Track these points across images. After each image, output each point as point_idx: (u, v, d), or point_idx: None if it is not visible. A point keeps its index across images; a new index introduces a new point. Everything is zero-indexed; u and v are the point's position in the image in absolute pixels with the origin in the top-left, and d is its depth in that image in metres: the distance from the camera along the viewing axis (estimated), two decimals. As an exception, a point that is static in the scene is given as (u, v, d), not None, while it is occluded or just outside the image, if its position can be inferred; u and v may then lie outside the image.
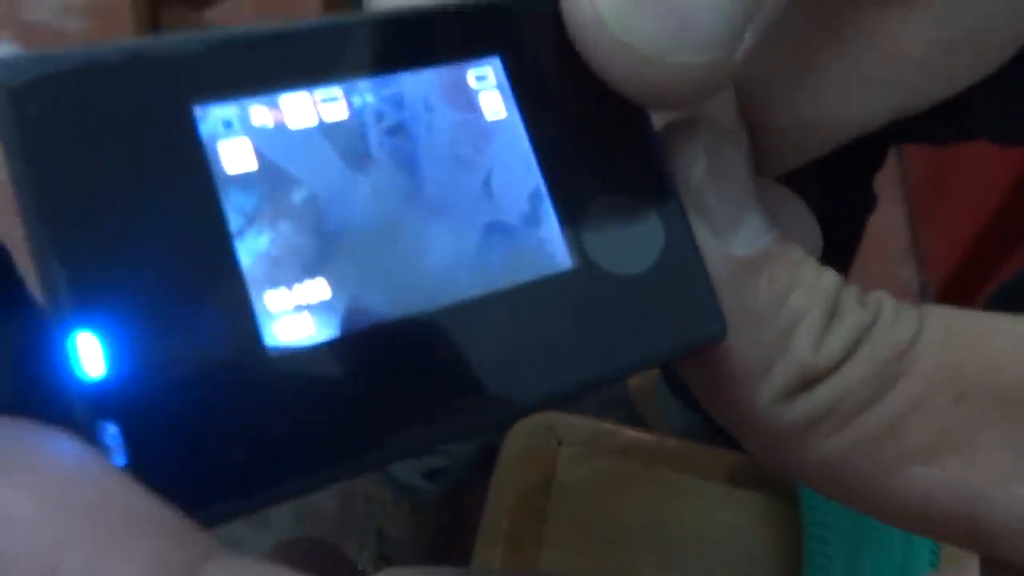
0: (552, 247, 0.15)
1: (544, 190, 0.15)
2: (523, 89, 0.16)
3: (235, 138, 0.13)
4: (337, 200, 0.14)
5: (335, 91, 0.14)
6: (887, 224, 1.37)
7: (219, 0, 1.22)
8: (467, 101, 0.15)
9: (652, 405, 0.95)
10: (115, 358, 0.12)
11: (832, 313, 0.16)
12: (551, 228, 0.15)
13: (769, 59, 0.22)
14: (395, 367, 0.14)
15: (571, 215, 0.15)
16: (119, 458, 0.12)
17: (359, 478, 0.95)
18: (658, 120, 0.17)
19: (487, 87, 0.16)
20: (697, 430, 0.85)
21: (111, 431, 0.12)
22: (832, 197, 0.62)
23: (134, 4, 1.16)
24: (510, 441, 0.48)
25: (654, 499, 0.47)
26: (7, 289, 0.88)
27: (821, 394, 0.16)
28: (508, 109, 0.16)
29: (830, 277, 0.16)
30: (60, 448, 0.11)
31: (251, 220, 0.13)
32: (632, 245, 0.16)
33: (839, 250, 0.75)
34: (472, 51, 0.15)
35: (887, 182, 1.36)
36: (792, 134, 0.23)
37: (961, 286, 1.24)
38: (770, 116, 0.23)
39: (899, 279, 1.36)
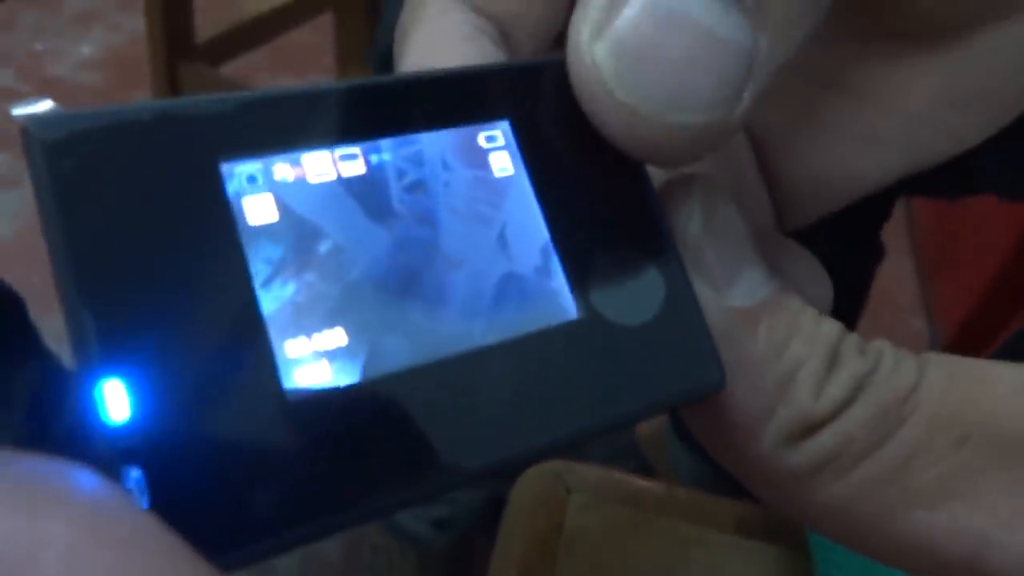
0: (560, 298, 0.16)
1: (551, 244, 0.16)
2: (530, 150, 0.16)
3: (259, 194, 0.14)
4: (357, 251, 0.14)
5: (354, 149, 0.15)
6: (896, 276, 1.37)
7: (236, 56, 1.25)
8: (480, 160, 0.16)
9: (661, 454, 0.94)
10: (140, 404, 0.12)
11: (832, 361, 0.16)
12: (559, 280, 0.16)
13: (783, 118, 0.23)
14: (411, 412, 0.14)
15: (576, 267, 0.16)
16: (142, 501, 0.12)
17: (367, 525, 0.94)
18: (660, 176, 0.18)
19: (497, 147, 0.16)
20: (706, 479, 0.85)
21: (134, 475, 0.12)
22: (840, 249, 0.62)
23: (152, 60, 1.19)
24: (519, 489, 0.48)
25: (664, 548, 0.47)
26: (22, 338, 0.89)
27: (823, 439, 0.16)
28: (516, 168, 0.16)
29: (830, 326, 0.17)
30: (94, 485, 0.11)
31: (273, 271, 0.14)
32: (634, 297, 0.16)
33: (848, 301, 0.75)
34: (483, 114, 0.16)
35: (896, 234, 1.36)
36: (807, 191, 0.23)
37: (971, 337, 1.24)
38: (786, 173, 0.23)
39: (910, 330, 1.35)
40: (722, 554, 0.47)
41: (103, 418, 0.12)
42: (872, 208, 0.67)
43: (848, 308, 0.75)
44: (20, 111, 0.13)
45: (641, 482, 0.48)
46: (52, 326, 0.97)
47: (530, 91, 0.17)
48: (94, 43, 1.54)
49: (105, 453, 0.12)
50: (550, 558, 0.45)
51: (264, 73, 1.46)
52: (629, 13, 0.16)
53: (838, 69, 0.22)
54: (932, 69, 0.21)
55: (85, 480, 0.11)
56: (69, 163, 0.13)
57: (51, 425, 0.86)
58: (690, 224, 0.17)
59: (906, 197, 1.34)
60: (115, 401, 0.12)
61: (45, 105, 0.13)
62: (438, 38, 0.18)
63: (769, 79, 0.16)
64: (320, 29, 1.36)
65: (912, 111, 0.21)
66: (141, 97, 1.42)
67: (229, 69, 1.26)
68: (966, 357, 0.17)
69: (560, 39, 0.18)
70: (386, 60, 0.67)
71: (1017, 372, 0.16)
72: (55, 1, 1.56)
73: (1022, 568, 0.15)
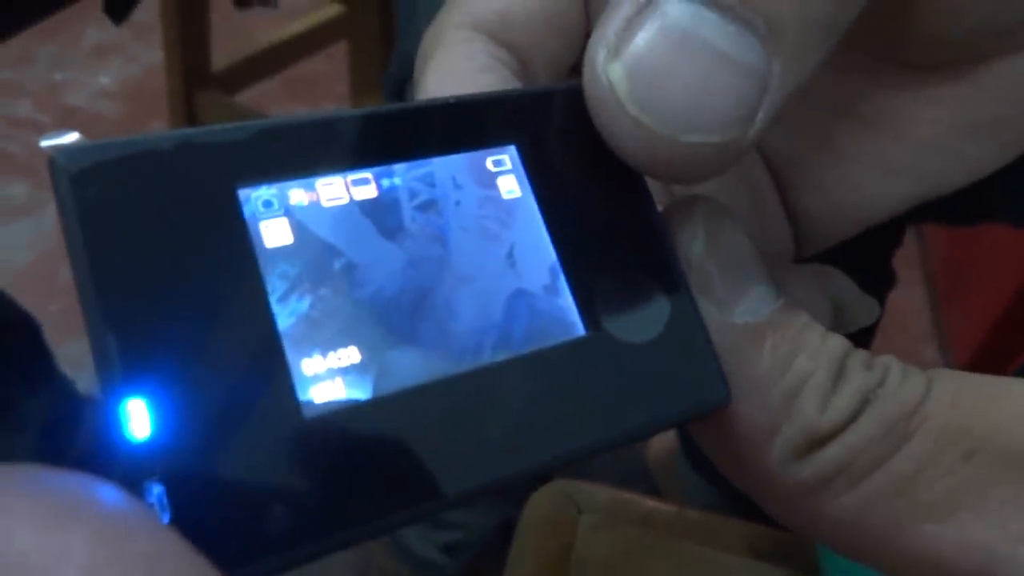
0: (568, 316, 0.16)
1: (558, 263, 0.17)
2: (537, 173, 0.17)
3: (275, 218, 0.14)
4: (371, 269, 0.15)
5: (366, 174, 0.15)
6: (909, 304, 1.37)
7: (251, 85, 1.27)
8: (489, 182, 0.17)
9: (671, 479, 0.94)
10: (161, 422, 0.13)
11: (838, 375, 0.16)
12: (566, 298, 0.16)
13: (799, 146, 0.23)
14: (422, 429, 0.14)
15: (583, 286, 0.16)
16: (163, 516, 0.12)
17: (376, 550, 0.94)
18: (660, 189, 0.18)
19: (504, 171, 0.17)
20: (717, 506, 0.84)
21: (156, 490, 0.12)
22: (851, 275, 0.62)
23: (169, 89, 1.20)
24: (530, 510, 0.48)
25: (674, 569, 0.46)
26: (39, 363, 0.89)
27: (830, 453, 0.16)
28: (524, 191, 0.17)
29: (836, 341, 0.17)
30: (118, 499, 0.11)
31: (289, 291, 0.14)
32: (640, 315, 0.17)
33: (860, 329, 0.75)
34: (490, 139, 0.17)
35: (909, 263, 1.36)
36: (822, 217, 0.23)
37: (984, 366, 1.23)
38: (802, 200, 0.23)
39: (922, 359, 1.35)
40: (733, 575, 0.46)
41: (126, 435, 0.12)
42: (883, 234, 0.67)
43: (860, 335, 0.75)
44: (48, 143, 0.13)
45: (652, 503, 0.48)
46: (67, 352, 0.97)
47: (536, 118, 0.17)
48: (112, 74, 1.57)
49: (127, 469, 0.12)
50: (561, 579, 0.45)
51: (279, 101, 1.48)
52: (644, 36, 0.16)
53: (852, 98, 0.22)
54: (945, 99, 0.21)
55: (109, 495, 0.11)
56: (93, 191, 0.13)
57: (65, 449, 0.87)
58: (694, 244, 0.17)
59: (918, 225, 1.34)
60: (137, 419, 0.12)
61: (71, 137, 0.13)
62: (457, 66, 0.19)
63: (783, 102, 0.17)
64: (334, 58, 1.38)
65: (925, 140, 0.22)
66: (158, 125, 1.44)
67: (244, 97, 1.28)
68: (972, 373, 0.17)
69: (576, 68, 0.18)
70: (400, 87, 0.68)
71: (1022, 386, 0.16)
72: (74, 34, 1.59)
73: None
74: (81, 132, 0.14)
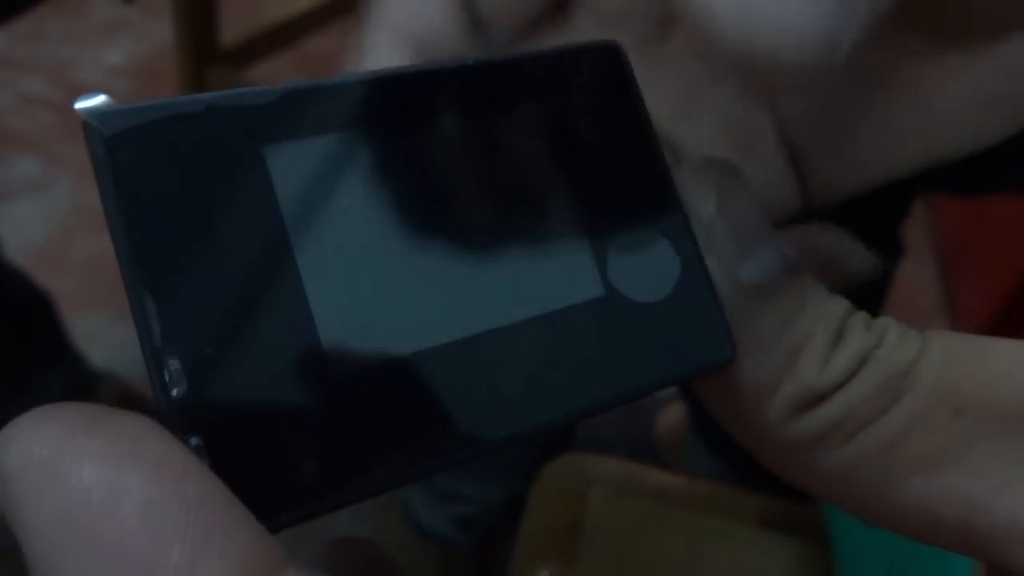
0: (586, 276, 0.17)
1: (578, 224, 0.17)
2: (561, 136, 0.17)
3: (300, 174, 0.15)
4: (394, 225, 0.15)
5: (387, 131, 0.16)
6: (919, 279, 1.37)
7: (260, 61, 1.27)
8: (513, 142, 0.17)
9: (680, 457, 0.95)
10: (198, 378, 0.13)
11: (838, 336, 0.17)
12: (586, 258, 0.17)
13: (815, 104, 0.23)
14: (445, 384, 0.15)
15: (600, 247, 0.17)
16: None
17: (388, 525, 0.94)
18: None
19: (526, 132, 0.17)
20: (726, 479, 0.85)
21: (194, 442, 0.13)
22: (859, 246, 0.62)
23: (179, 66, 1.20)
24: (540, 482, 0.48)
25: (685, 542, 0.47)
26: (52, 338, 0.90)
27: (826, 411, 0.17)
28: (548, 152, 0.17)
29: (838, 303, 0.18)
30: (172, 446, 0.12)
31: (316, 246, 0.15)
32: (651, 275, 0.17)
33: (867, 300, 0.74)
34: (512, 98, 0.17)
35: (918, 238, 1.36)
36: (829, 175, 0.24)
37: (995, 341, 1.22)
38: (812, 156, 0.24)
39: (932, 334, 1.34)
40: (743, 547, 0.47)
41: (167, 391, 0.13)
42: (892, 205, 0.67)
43: (868, 307, 0.75)
44: (81, 105, 0.14)
45: (662, 475, 0.49)
46: (80, 327, 0.98)
47: (554, 79, 0.18)
48: (122, 50, 1.56)
49: (167, 423, 0.13)
50: (571, 550, 0.46)
51: (289, 77, 1.47)
52: None
53: (870, 65, 0.23)
54: (962, 70, 0.22)
55: (166, 440, 0.12)
56: (127, 154, 0.14)
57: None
58: (706, 205, 0.18)
59: (928, 197, 1.33)
60: (175, 375, 0.13)
61: (100, 99, 0.14)
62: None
63: (871, 24, 0.18)
64: (344, 33, 1.37)
65: (937, 108, 0.22)
66: (167, 103, 1.43)
67: (254, 74, 1.28)
68: (967, 334, 0.17)
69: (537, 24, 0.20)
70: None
71: (1014, 346, 0.17)
72: (83, 10, 1.58)
73: (1009, 530, 0.16)
74: None
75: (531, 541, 0.47)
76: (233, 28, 1.22)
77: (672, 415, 1.00)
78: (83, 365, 0.92)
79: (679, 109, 0.27)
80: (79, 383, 0.90)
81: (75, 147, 1.34)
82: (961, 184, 0.63)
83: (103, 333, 1.10)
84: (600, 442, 1.01)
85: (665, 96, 0.27)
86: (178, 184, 0.14)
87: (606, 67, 0.18)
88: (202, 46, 1.17)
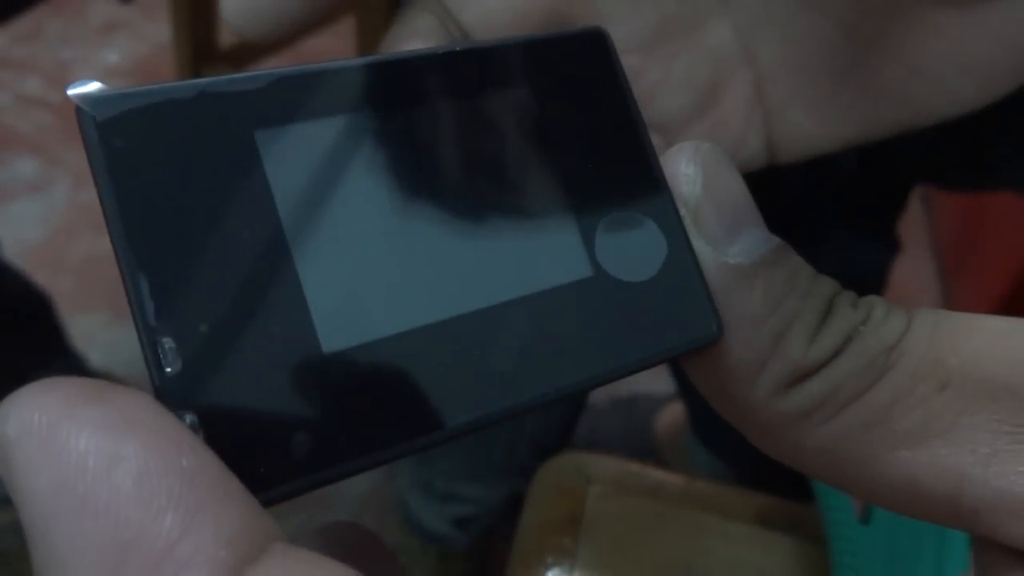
0: (574, 256, 0.17)
1: (566, 205, 0.17)
2: (549, 120, 0.18)
3: (292, 158, 0.15)
4: (385, 207, 0.16)
5: (378, 115, 0.16)
6: (918, 276, 1.37)
7: (258, 60, 1.27)
8: (502, 125, 0.17)
9: (679, 457, 0.95)
10: (192, 356, 0.13)
11: (825, 314, 0.17)
12: (574, 238, 0.17)
13: (795, 53, 0.24)
14: (437, 361, 0.15)
15: (588, 227, 0.17)
16: None
17: (385, 524, 0.95)
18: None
19: (516, 115, 0.17)
20: (724, 479, 0.85)
21: (189, 419, 0.13)
22: (855, 240, 0.62)
23: (177, 66, 1.20)
24: (539, 480, 0.48)
25: (683, 540, 0.47)
26: (49, 338, 0.90)
27: (812, 387, 0.17)
28: (536, 136, 0.17)
29: (826, 282, 0.18)
30: (168, 419, 0.12)
31: (308, 229, 0.15)
32: (638, 255, 0.18)
33: (864, 295, 0.74)
34: (501, 83, 0.17)
35: (917, 234, 1.36)
36: (802, 129, 0.24)
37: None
38: (785, 107, 0.24)
39: (930, 333, 1.34)
40: (742, 545, 0.47)
41: (162, 369, 0.13)
42: (887, 197, 0.67)
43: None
44: (74, 91, 0.14)
45: (661, 474, 0.49)
46: (78, 327, 0.98)
47: (543, 62, 0.18)
48: (120, 50, 1.56)
49: (163, 400, 0.13)
50: (570, 548, 0.46)
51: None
52: None
53: (856, 20, 0.23)
54: (947, 31, 0.22)
55: (161, 413, 0.12)
56: (120, 139, 0.14)
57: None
58: (693, 187, 0.18)
59: (925, 194, 1.33)
60: (169, 353, 0.13)
61: (94, 86, 0.14)
62: None
63: None
64: (341, 33, 1.37)
65: (917, 67, 0.22)
66: (165, 103, 1.43)
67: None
68: (952, 311, 0.18)
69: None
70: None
71: (997, 321, 0.17)
72: (81, 10, 1.58)
73: (995, 502, 0.16)
74: None
75: (529, 539, 0.47)
76: (231, 28, 1.23)
77: (671, 415, 1.00)
78: (81, 365, 0.92)
79: (652, 43, 0.27)
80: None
81: (73, 147, 1.34)
82: (954, 179, 0.63)
83: (102, 333, 1.10)
84: (599, 442, 1.01)
85: (639, 30, 0.27)
86: (171, 168, 0.14)
87: (593, 52, 0.19)
88: (200, 46, 1.17)
